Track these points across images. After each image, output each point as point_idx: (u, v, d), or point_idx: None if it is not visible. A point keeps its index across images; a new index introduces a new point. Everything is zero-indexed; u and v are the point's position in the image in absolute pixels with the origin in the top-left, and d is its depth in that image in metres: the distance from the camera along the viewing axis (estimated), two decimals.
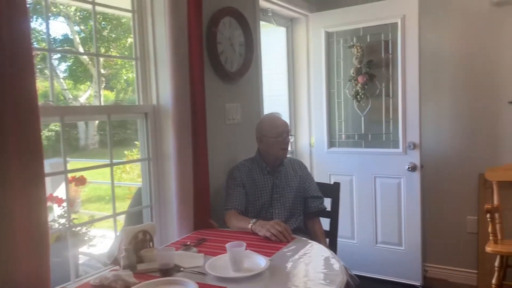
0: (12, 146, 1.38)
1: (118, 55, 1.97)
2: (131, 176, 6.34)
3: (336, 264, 1.66)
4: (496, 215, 2.78)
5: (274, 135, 2.39)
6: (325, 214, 2.57)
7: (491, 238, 2.73)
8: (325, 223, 2.57)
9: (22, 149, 1.40)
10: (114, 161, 2.15)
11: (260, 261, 1.65)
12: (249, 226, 2.08)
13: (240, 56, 2.72)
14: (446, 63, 3.26)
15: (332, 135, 3.59)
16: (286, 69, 3.68)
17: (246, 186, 2.38)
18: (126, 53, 2.42)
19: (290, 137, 2.47)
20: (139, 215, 2.39)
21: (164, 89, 2.26)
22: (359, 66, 3.32)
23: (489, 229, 2.73)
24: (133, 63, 2.30)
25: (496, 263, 2.69)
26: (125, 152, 5.48)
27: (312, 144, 3.68)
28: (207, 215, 2.27)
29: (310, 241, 2.00)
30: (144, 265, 1.68)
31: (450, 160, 3.30)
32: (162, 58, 2.25)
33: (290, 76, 3.71)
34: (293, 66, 3.72)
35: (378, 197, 3.38)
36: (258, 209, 2.39)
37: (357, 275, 2.14)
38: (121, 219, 2.74)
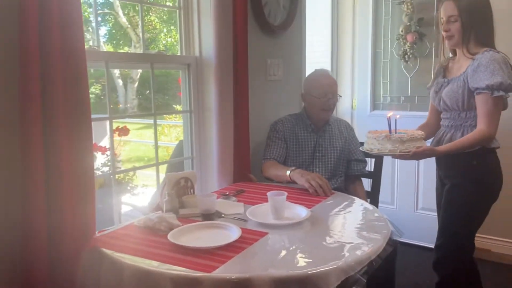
0: (61, 96, 1.41)
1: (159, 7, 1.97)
2: (169, 138, 6.49)
3: (380, 217, 1.62)
4: None
5: (317, 95, 2.29)
6: (367, 174, 2.50)
7: None
8: (365, 184, 2.51)
9: (70, 98, 1.44)
10: (158, 111, 2.16)
11: (301, 211, 1.63)
12: (288, 173, 2.04)
13: (284, 9, 2.62)
14: (501, 21, 3.02)
15: (376, 97, 3.46)
16: (330, 25, 3.53)
17: (287, 141, 2.33)
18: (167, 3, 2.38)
19: (337, 97, 2.36)
20: (180, 167, 2.42)
21: (207, 40, 2.23)
22: (408, 23, 3.15)
23: None
24: (176, 13, 2.27)
25: None
26: (165, 115, 5.59)
27: (354, 106, 3.57)
28: (247, 169, 2.27)
29: (351, 196, 1.95)
30: (186, 210, 1.70)
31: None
32: (206, 8, 2.20)
33: (334, 34, 3.56)
34: (338, 22, 3.57)
35: (421, 162, 3.27)
36: (298, 166, 2.33)
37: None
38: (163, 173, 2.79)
